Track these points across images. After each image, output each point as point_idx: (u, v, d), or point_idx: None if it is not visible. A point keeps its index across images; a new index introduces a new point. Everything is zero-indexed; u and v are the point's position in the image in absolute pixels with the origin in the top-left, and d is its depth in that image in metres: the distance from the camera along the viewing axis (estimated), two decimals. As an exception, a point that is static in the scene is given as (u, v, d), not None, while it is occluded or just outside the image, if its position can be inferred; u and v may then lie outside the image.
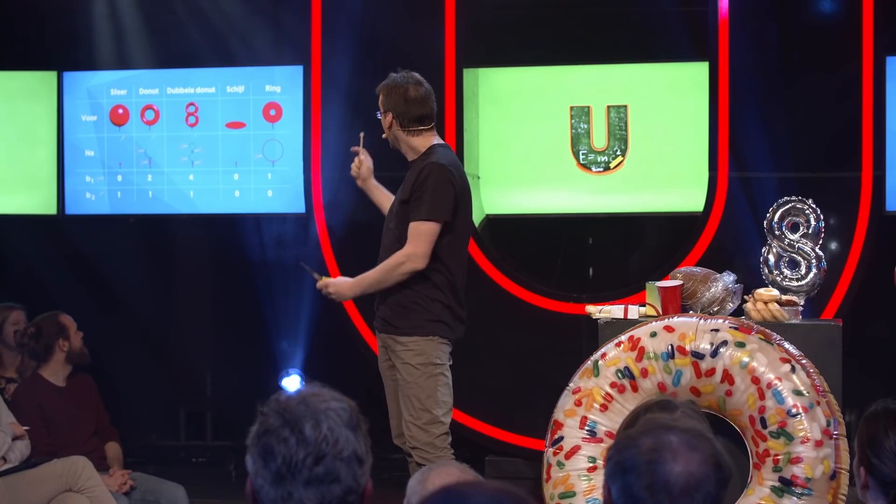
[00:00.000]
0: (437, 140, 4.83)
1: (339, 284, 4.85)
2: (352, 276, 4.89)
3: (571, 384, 4.69)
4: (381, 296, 4.80)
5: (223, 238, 7.33)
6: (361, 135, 5.02)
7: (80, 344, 5.72)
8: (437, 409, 4.66)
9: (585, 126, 6.70)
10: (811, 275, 4.93)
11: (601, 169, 6.72)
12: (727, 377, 4.47)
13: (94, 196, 7.21)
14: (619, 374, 4.59)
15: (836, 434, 4.43)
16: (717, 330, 4.53)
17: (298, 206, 6.93)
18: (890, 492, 2.79)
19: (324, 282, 4.87)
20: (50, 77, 7.23)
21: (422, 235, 4.64)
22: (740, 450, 4.49)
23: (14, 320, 6.01)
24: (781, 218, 4.95)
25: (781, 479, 4.39)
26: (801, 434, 4.39)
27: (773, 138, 6.40)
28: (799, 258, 4.93)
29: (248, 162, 7.05)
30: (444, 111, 6.51)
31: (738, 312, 4.87)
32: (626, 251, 7.08)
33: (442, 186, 4.65)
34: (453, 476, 2.66)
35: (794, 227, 4.95)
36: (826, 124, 6.44)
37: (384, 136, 4.88)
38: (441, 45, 6.68)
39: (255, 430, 2.15)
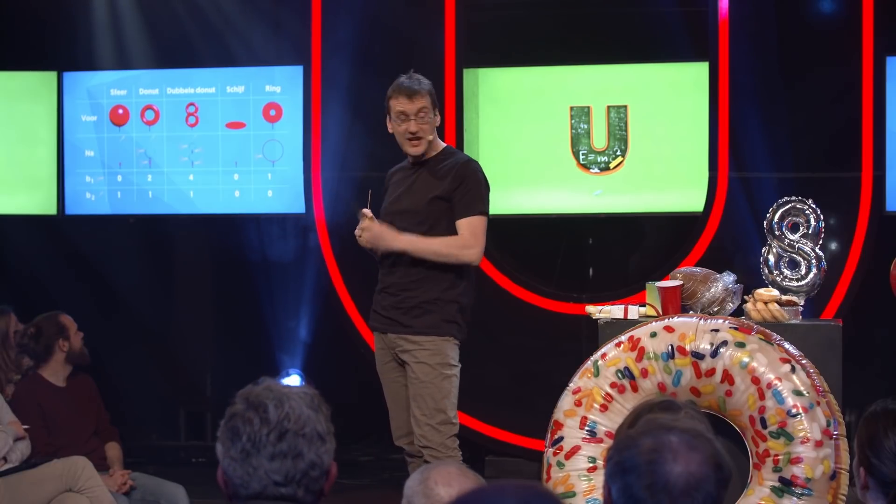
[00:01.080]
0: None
1: (377, 229, 4.59)
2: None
3: (571, 384, 4.68)
4: (392, 295, 4.70)
5: (223, 238, 7.33)
6: (370, 192, 4.81)
7: (80, 344, 5.70)
8: (450, 411, 4.64)
9: (585, 126, 6.70)
10: (811, 275, 4.92)
11: (601, 169, 6.72)
12: (727, 377, 4.47)
13: (94, 196, 7.21)
14: (619, 375, 4.59)
15: (836, 434, 4.42)
16: (717, 330, 4.53)
17: (298, 206, 6.94)
18: (890, 492, 2.79)
19: (367, 222, 4.60)
20: (50, 77, 7.23)
21: (477, 231, 4.65)
22: (740, 450, 4.48)
23: (12, 324, 6.00)
24: (781, 218, 4.94)
25: (781, 480, 4.39)
26: (801, 434, 4.39)
27: (773, 138, 6.40)
28: (799, 258, 4.93)
29: (248, 162, 7.05)
30: (444, 111, 6.51)
31: (738, 312, 4.87)
32: (626, 251, 7.07)
33: (484, 181, 4.71)
34: (453, 475, 2.65)
35: (794, 227, 4.95)
36: (826, 124, 6.44)
37: (431, 138, 4.71)
38: (441, 45, 6.68)
39: (224, 419, 2.25)
